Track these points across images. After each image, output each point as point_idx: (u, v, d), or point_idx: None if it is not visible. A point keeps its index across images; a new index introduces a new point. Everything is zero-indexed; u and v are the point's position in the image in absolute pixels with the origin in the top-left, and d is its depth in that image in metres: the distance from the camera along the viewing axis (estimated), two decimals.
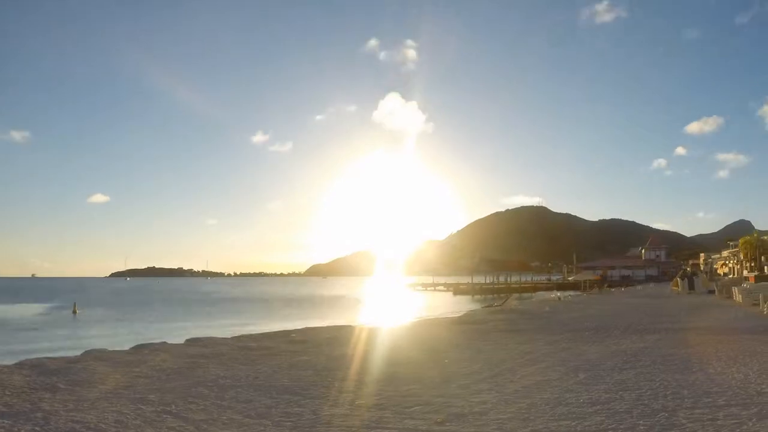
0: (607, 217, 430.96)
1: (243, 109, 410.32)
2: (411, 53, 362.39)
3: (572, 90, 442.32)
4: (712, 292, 41.91)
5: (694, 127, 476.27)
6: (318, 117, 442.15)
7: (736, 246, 70.95)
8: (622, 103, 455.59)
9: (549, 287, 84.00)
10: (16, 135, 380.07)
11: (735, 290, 33.11)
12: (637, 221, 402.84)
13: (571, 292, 65.43)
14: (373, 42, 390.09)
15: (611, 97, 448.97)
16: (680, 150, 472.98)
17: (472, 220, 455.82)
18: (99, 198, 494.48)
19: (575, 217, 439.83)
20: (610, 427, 6.65)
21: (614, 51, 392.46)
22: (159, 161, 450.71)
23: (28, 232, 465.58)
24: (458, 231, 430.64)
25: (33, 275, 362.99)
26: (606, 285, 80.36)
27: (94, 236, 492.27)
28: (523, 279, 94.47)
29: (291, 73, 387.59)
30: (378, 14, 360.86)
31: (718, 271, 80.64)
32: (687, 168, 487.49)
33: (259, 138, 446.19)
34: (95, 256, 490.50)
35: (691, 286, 46.24)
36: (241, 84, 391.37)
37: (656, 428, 6.54)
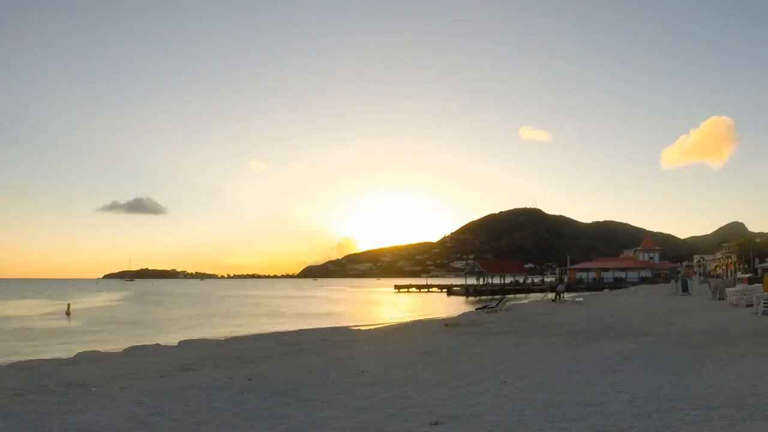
0: (601, 219, 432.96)
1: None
2: (414, 59, 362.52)
3: (569, 91, 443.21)
4: (705, 293, 42.05)
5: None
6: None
7: (729, 248, 71.34)
8: (620, 105, 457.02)
9: (543, 289, 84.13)
10: None
11: (728, 291, 33.22)
12: (630, 223, 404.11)
13: (565, 294, 65.42)
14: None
15: (609, 99, 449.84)
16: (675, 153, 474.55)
17: (467, 222, 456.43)
18: None
19: (569, 219, 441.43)
20: (604, 428, 6.64)
21: (611, 54, 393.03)
22: (156, 164, 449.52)
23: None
24: (452, 233, 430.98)
25: None
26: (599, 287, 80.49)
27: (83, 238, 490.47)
28: (517, 280, 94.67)
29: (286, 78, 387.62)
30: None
31: (711, 273, 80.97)
32: (682, 170, 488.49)
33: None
34: (88, 258, 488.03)
35: (685, 288, 46.38)
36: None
37: (650, 430, 6.54)
